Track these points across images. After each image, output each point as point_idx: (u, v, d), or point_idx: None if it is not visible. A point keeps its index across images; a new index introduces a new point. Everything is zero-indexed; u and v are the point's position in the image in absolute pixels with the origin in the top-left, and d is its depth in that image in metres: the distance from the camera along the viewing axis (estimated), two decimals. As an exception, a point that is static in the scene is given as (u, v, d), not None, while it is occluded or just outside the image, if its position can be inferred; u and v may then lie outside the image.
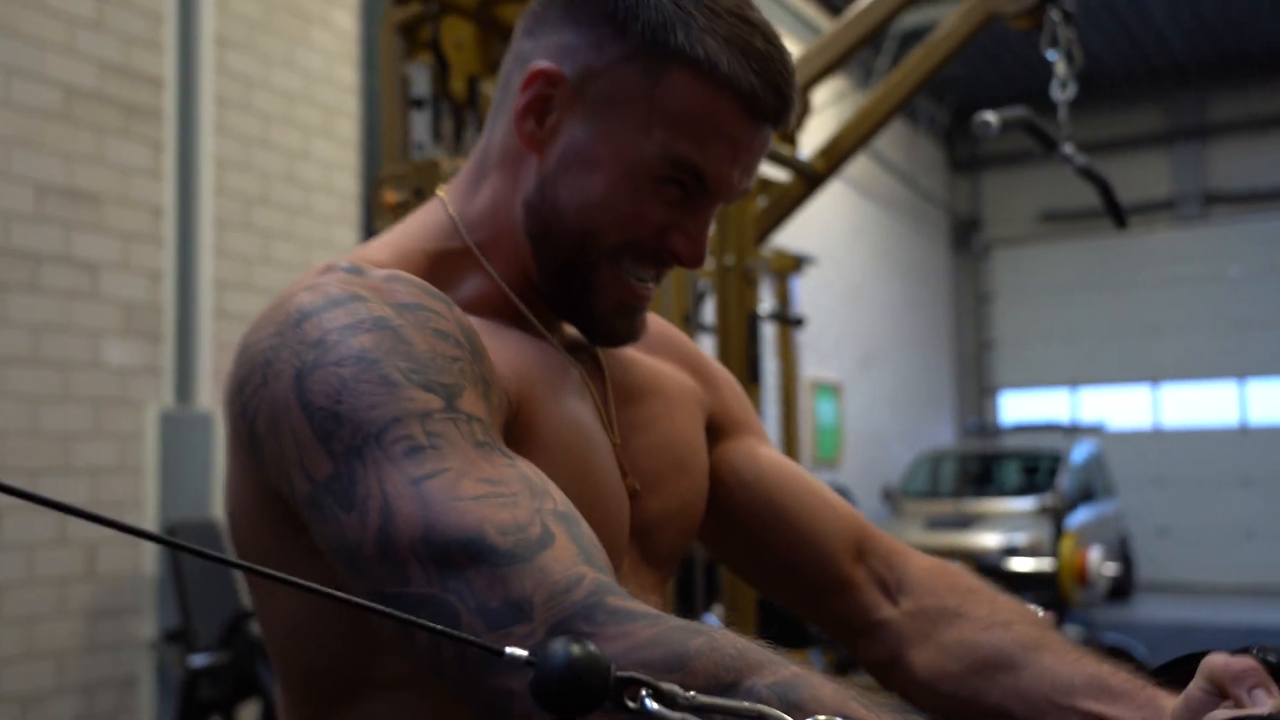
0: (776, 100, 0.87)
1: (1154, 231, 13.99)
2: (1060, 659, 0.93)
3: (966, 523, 10.16)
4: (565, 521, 0.72)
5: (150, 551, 5.15)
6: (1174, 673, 0.88)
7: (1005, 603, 1.01)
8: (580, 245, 0.89)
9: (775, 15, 8.88)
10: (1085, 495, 10.67)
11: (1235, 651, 0.79)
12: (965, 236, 15.34)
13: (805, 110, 2.88)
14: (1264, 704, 0.75)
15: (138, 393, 5.20)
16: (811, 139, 3.33)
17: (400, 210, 2.38)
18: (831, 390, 11.66)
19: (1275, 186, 13.58)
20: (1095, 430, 12.40)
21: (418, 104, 2.42)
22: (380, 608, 0.61)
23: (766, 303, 6.26)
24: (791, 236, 10.11)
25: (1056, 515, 9.00)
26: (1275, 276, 13.55)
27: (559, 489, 0.76)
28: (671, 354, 1.09)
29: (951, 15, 2.75)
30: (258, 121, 5.82)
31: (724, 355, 2.75)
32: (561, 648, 0.58)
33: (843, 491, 10.03)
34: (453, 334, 0.80)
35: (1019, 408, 15.05)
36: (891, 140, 13.42)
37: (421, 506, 0.69)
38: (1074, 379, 14.65)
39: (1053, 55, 2.69)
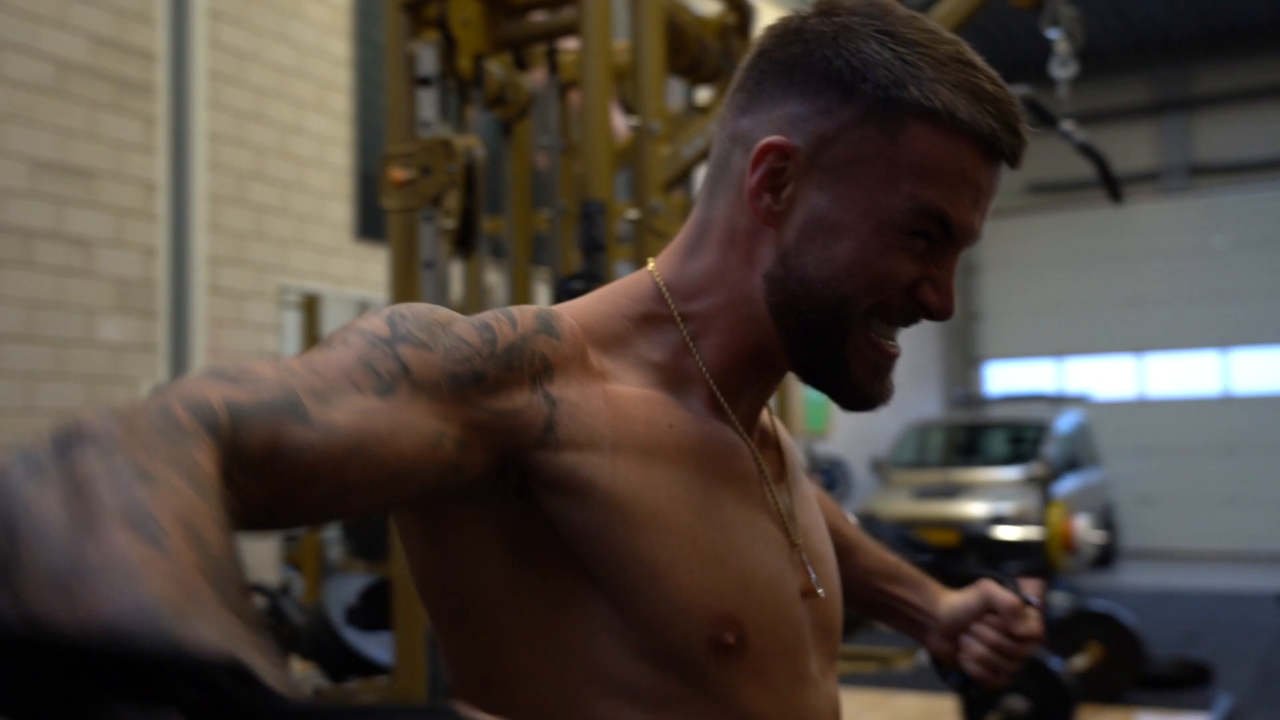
0: (1013, 139, 0.85)
1: (1139, 203, 13.99)
2: (870, 556, 1.22)
3: (954, 492, 10.20)
4: (283, 412, 0.69)
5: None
6: (946, 574, 1.27)
7: (829, 507, 1.18)
8: (833, 314, 0.86)
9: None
10: (1071, 464, 10.72)
11: (1004, 586, 1.17)
12: (952, 208, 15.33)
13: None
14: (1025, 628, 1.15)
15: (132, 369, 5.15)
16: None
17: (408, 188, 2.34)
18: (821, 362, 11.64)
19: (1259, 158, 13.61)
20: (1080, 400, 12.45)
21: (424, 82, 2.38)
22: None
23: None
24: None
25: (1043, 484, 9.03)
26: (1258, 247, 13.59)
27: (360, 434, 0.72)
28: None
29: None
30: (251, 96, 5.75)
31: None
32: None
33: (838, 464, 10.10)
34: (500, 337, 0.80)
35: (1005, 378, 15.09)
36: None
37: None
38: (1059, 350, 14.69)
39: (1054, 34, 2.66)
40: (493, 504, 0.81)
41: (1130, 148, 13.86)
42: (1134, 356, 14.32)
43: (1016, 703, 4.53)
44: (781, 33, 0.89)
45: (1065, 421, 11.12)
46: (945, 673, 1.21)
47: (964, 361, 15.33)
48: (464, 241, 2.33)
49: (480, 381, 0.78)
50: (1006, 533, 9.45)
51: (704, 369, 0.91)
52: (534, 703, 0.84)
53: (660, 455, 0.85)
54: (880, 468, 11.29)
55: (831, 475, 11.10)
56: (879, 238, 0.85)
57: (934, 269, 0.87)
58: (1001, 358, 15.19)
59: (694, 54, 2.70)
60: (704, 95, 3.22)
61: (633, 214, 2.38)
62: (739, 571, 0.86)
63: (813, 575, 0.94)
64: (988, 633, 1.17)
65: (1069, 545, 8.31)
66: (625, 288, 0.94)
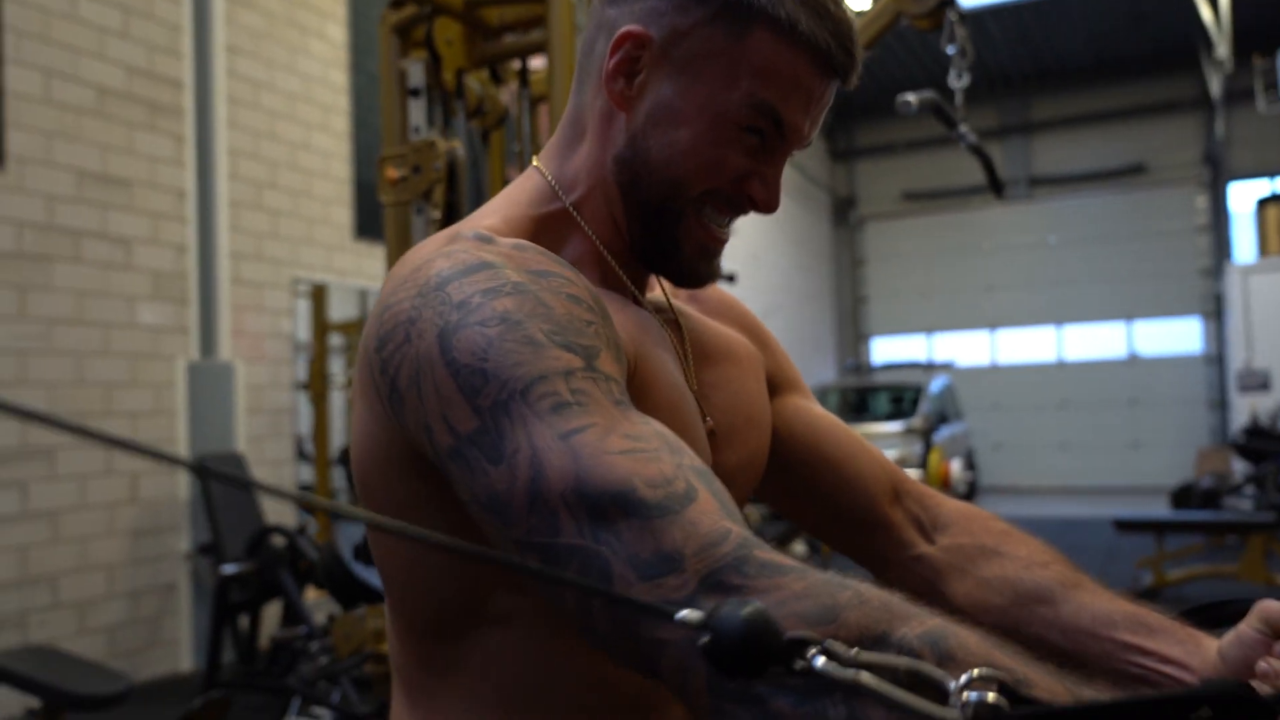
0: (846, 58, 0.77)
1: (990, 208, 14.13)
2: (1097, 597, 0.83)
3: (848, 442, 10.25)
4: (704, 477, 0.61)
5: (183, 479, 4.96)
6: (1201, 616, 0.79)
7: (1039, 545, 0.90)
8: (668, 194, 0.78)
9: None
10: (941, 419, 10.81)
11: None
12: (843, 213, 15.37)
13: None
14: None
15: (168, 348, 4.98)
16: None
17: (401, 184, 2.23)
18: (739, 338, 11.64)
19: (1086, 171, 13.77)
20: (947, 367, 12.56)
21: (414, 93, 2.28)
22: (511, 560, 0.54)
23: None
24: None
25: (924, 435, 9.09)
26: (1085, 243, 13.76)
27: (689, 446, 0.65)
28: (732, 319, 0.97)
29: (863, 16, 2.65)
30: (265, 117, 5.56)
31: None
32: (735, 610, 0.47)
33: None
34: (585, 299, 0.70)
35: (887, 350, 15.18)
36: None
37: (572, 460, 0.58)
38: (930, 326, 14.79)
39: (951, 49, 2.60)
40: None
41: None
42: (988, 331, 14.46)
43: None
44: None
45: (936, 384, 11.20)
46: None
47: (854, 336, 15.40)
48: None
49: (619, 351, 0.70)
50: (890, 474, 9.46)
51: (605, 252, 0.82)
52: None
53: (638, 338, 0.77)
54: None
55: None
56: (714, 129, 0.77)
57: (763, 166, 0.79)
58: (884, 333, 15.27)
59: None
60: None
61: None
62: (696, 438, 0.78)
63: (707, 417, 0.83)
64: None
65: (946, 483, 8.39)
66: (521, 192, 0.83)
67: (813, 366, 13.90)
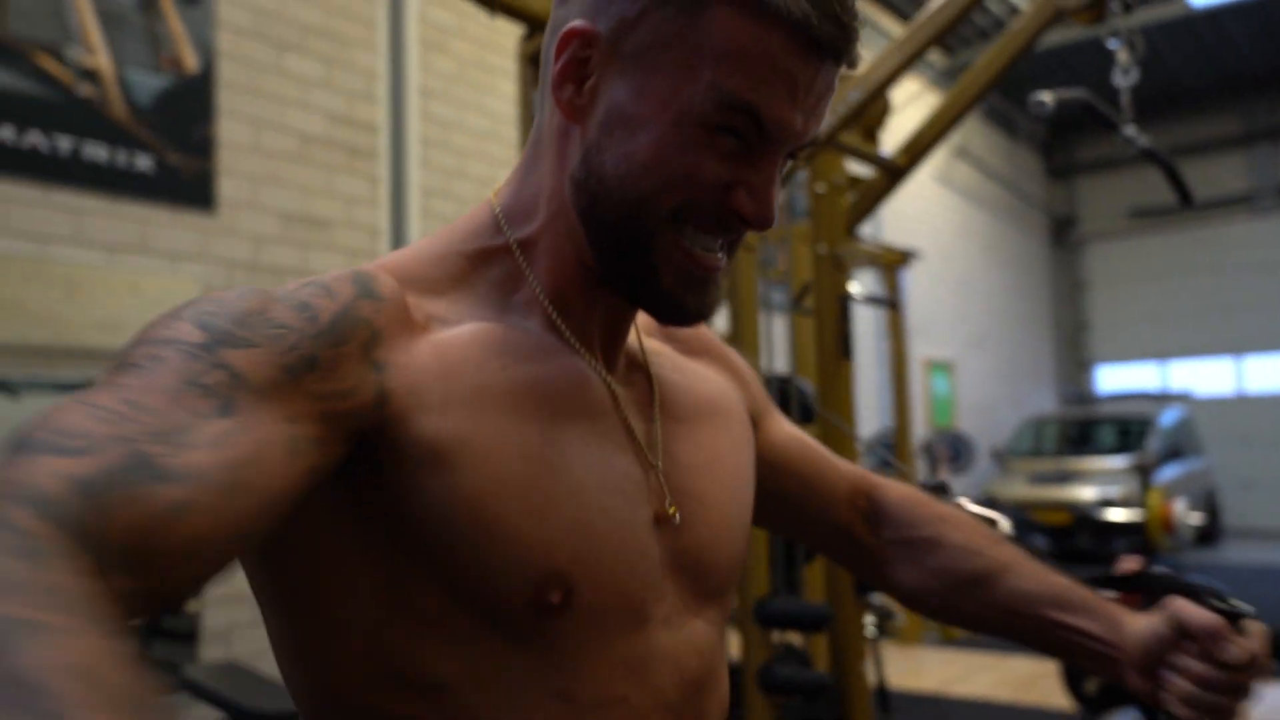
0: (834, 29, 0.61)
1: (1233, 223, 12.87)
2: (1025, 578, 0.86)
3: (1066, 478, 9.56)
4: (131, 466, 0.47)
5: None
6: (1116, 584, 0.87)
7: (974, 530, 0.92)
8: (632, 214, 0.64)
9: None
10: (1174, 454, 9.86)
11: (1198, 601, 0.78)
12: (1062, 233, 14.44)
13: (885, 109, 2.58)
14: (1234, 654, 0.74)
15: (364, 378, 5.22)
16: (892, 137, 3.03)
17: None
18: (944, 367, 11.10)
19: (1349, 178, 12.31)
20: (1183, 397, 11.48)
21: (541, 121, 2.24)
22: None
23: (878, 291, 5.93)
24: (907, 236, 9.66)
25: (1144, 471, 8.33)
26: (1350, 258, 12.29)
27: (218, 467, 0.50)
28: (710, 357, 0.85)
29: (1020, 16, 2.41)
30: (455, 156, 5.78)
31: (820, 334, 2.50)
32: None
33: (960, 438, 9.46)
34: (317, 310, 0.59)
35: (1113, 379, 14.07)
36: (994, 152, 12.72)
37: (61, 407, 0.50)
38: (1163, 353, 13.61)
39: (1114, 44, 2.31)
40: (338, 477, 0.60)
41: (1224, 174, 12.81)
42: (1233, 358, 13.13)
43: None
44: None
45: (1168, 416, 10.24)
46: (1151, 716, 0.82)
47: (1076, 364, 14.39)
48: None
49: (314, 366, 0.57)
50: (1114, 514, 8.77)
51: (541, 296, 0.69)
52: (346, 652, 0.63)
53: (490, 401, 0.63)
54: (1000, 456, 10.67)
55: (955, 448, 10.53)
56: (678, 131, 0.62)
57: (749, 172, 0.64)
58: (1110, 361, 14.17)
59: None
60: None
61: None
62: (576, 520, 0.64)
63: (669, 500, 0.70)
64: (1190, 664, 0.76)
65: (1168, 525, 7.63)
66: (462, 224, 0.72)
67: (1029, 396, 13.07)
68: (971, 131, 11.82)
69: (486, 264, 0.70)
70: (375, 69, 5.33)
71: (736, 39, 0.61)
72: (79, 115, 4.05)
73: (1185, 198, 2.53)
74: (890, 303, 4.15)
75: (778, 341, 3.70)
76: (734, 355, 0.89)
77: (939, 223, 11.25)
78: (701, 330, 0.86)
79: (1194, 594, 0.79)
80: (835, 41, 0.62)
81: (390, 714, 0.62)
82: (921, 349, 10.46)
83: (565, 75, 0.65)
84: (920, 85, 8.88)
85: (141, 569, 0.45)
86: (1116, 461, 9.39)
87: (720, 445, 0.77)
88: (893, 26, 9.67)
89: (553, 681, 0.63)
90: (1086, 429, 10.89)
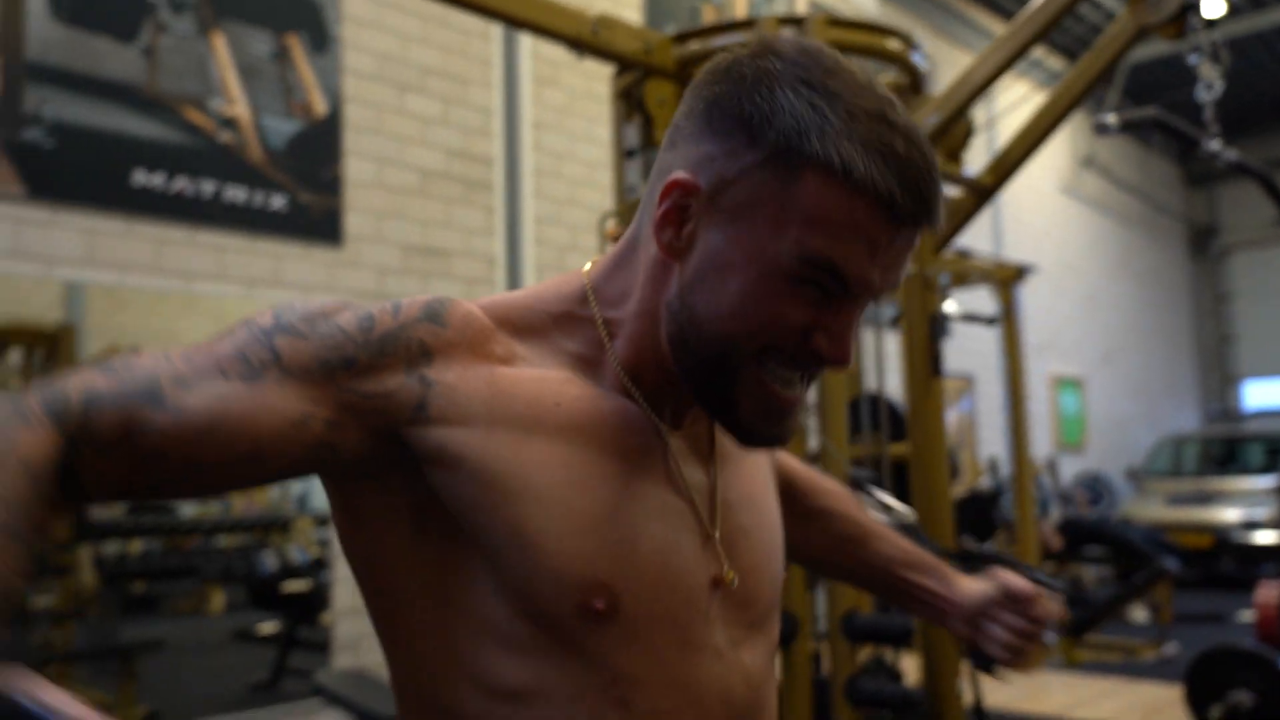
0: (916, 204, 0.69)
1: (1395, 226, 12.03)
2: (889, 545, 1.10)
3: (1207, 499, 9.09)
4: (135, 398, 0.66)
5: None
6: (960, 559, 1.12)
7: (852, 502, 1.14)
8: (720, 352, 0.73)
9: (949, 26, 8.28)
10: (1330, 473, 9.26)
11: (1020, 574, 1.05)
12: (1202, 243, 13.76)
13: (968, 131, 2.59)
14: (1042, 612, 1.02)
15: (482, 400, 5.42)
16: (1007, 134, 3.01)
17: (617, 241, 2.31)
18: (1074, 384, 10.72)
19: None
20: (1339, 413, 10.77)
21: (630, 154, 2.36)
22: None
23: (991, 308, 5.82)
24: (1029, 249, 9.41)
25: (1288, 493, 7.86)
26: None
27: (210, 415, 0.67)
28: None
29: (1103, 35, 2.39)
30: (566, 186, 5.97)
31: (909, 352, 2.51)
32: None
33: (1098, 478, 9.13)
34: (378, 325, 0.73)
35: (1262, 395, 13.29)
36: (1125, 161, 12.26)
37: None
38: (1316, 367, 12.79)
39: (1194, 59, 2.28)
40: (391, 479, 0.73)
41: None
42: (1397, 371, 12.24)
43: (1241, 696, 3.89)
44: (713, 70, 0.75)
45: (1322, 433, 9.63)
46: (970, 654, 1.12)
47: (1220, 379, 13.64)
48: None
49: (351, 365, 0.70)
50: (1261, 537, 8.29)
51: (615, 360, 0.79)
52: (428, 650, 0.74)
53: (540, 430, 0.73)
54: (1136, 477, 10.22)
55: (1095, 489, 10.15)
56: (765, 282, 0.70)
57: (829, 317, 0.72)
58: (1258, 376, 13.40)
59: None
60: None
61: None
62: (617, 540, 0.73)
63: (725, 562, 0.79)
64: (1008, 618, 1.03)
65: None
66: (556, 285, 0.83)
67: (1165, 413, 12.46)
68: (1099, 140, 11.43)
69: (567, 326, 0.80)
70: (491, 105, 5.57)
71: (824, 205, 0.68)
72: (220, 161, 4.39)
73: (1282, 208, 2.45)
74: (991, 320, 4.09)
75: (889, 359, 3.71)
76: None
77: (1065, 235, 10.91)
78: None
79: (1017, 569, 1.08)
80: (915, 213, 0.70)
81: (465, 715, 0.73)
82: (1048, 365, 10.14)
83: (667, 219, 0.74)
84: (1029, 87, 8.66)
85: (113, 457, 0.64)
86: (1263, 481, 8.90)
87: (759, 476, 0.87)
88: (993, 24, 9.49)
89: (611, 690, 0.71)
90: (1231, 447, 10.35)
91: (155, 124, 4.15)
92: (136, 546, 5.80)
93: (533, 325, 0.79)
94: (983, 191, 2.50)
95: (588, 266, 0.83)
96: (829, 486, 1.15)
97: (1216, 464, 10.10)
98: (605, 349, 0.79)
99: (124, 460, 0.64)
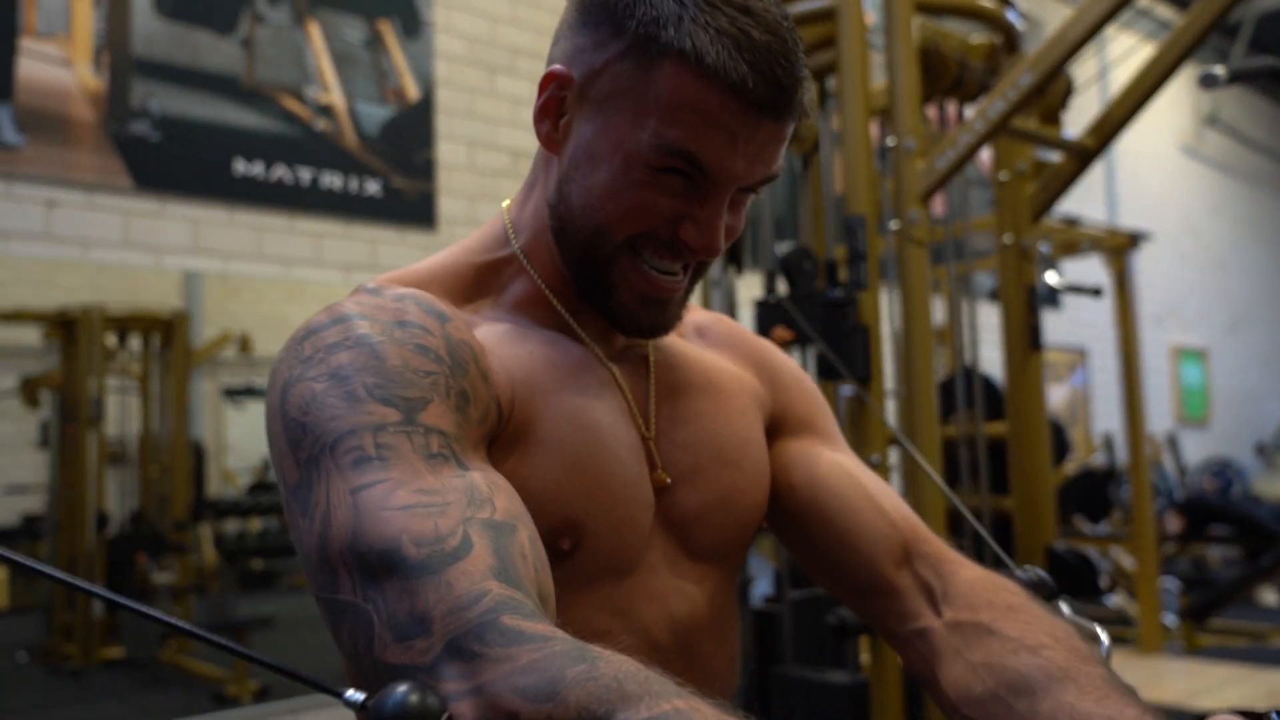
0: (771, 90, 0.69)
1: None
2: (1083, 694, 0.68)
3: (1344, 475, 8.56)
4: (494, 531, 0.60)
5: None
6: None
7: (1043, 623, 0.76)
8: (592, 240, 0.76)
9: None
10: None
11: None
12: (1340, 202, 12.89)
13: (1066, 89, 2.44)
14: None
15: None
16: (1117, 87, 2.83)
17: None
18: (1196, 355, 10.21)
19: None
20: None
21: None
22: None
23: (1104, 278, 5.54)
24: (1146, 215, 8.95)
25: None
26: None
27: (511, 498, 0.65)
28: (737, 353, 0.93)
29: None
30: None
31: (1007, 326, 2.40)
32: (396, 695, 0.49)
33: (1226, 464, 8.67)
34: (435, 349, 0.70)
35: None
36: (1253, 118, 11.55)
37: (353, 515, 0.59)
38: None
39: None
40: None
41: None
42: None
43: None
44: None
45: None
46: None
47: (1360, 349, 12.81)
48: (733, 260, 2.24)
49: (467, 400, 0.69)
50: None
51: (546, 291, 0.81)
52: None
53: (539, 379, 0.76)
54: (1264, 452, 9.70)
55: (1225, 476, 9.63)
56: (629, 171, 0.72)
57: (695, 207, 0.73)
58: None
59: (955, 75, 2.41)
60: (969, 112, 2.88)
61: (894, 224, 2.15)
62: (598, 476, 0.75)
63: (659, 465, 0.80)
64: None
65: None
66: (479, 236, 0.85)
67: (1301, 385, 11.76)
68: (1223, 97, 10.79)
69: (496, 272, 0.82)
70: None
71: (679, 93, 0.69)
72: (317, 148, 4.48)
73: None
74: (1096, 291, 3.89)
75: (992, 332, 3.56)
76: (781, 366, 0.95)
77: (1186, 198, 10.36)
78: (737, 331, 0.94)
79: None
80: (773, 102, 0.69)
81: None
82: (1169, 336, 9.67)
83: (545, 112, 0.76)
84: (1137, 39, 8.19)
85: (547, 606, 0.61)
86: None
87: (712, 419, 0.85)
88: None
89: (556, 602, 0.69)
90: (1371, 420, 9.72)
91: (254, 114, 4.26)
92: (255, 525, 6.06)
93: (467, 282, 0.81)
94: (1084, 154, 2.36)
95: (507, 203, 0.85)
96: (1007, 599, 0.79)
97: (1355, 438, 9.50)
98: (533, 281, 0.81)
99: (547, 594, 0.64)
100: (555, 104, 0.76)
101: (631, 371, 0.83)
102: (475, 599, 0.55)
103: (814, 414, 0.93)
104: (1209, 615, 5.86)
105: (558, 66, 0.75)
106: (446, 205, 4.94)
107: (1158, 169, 9.85)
